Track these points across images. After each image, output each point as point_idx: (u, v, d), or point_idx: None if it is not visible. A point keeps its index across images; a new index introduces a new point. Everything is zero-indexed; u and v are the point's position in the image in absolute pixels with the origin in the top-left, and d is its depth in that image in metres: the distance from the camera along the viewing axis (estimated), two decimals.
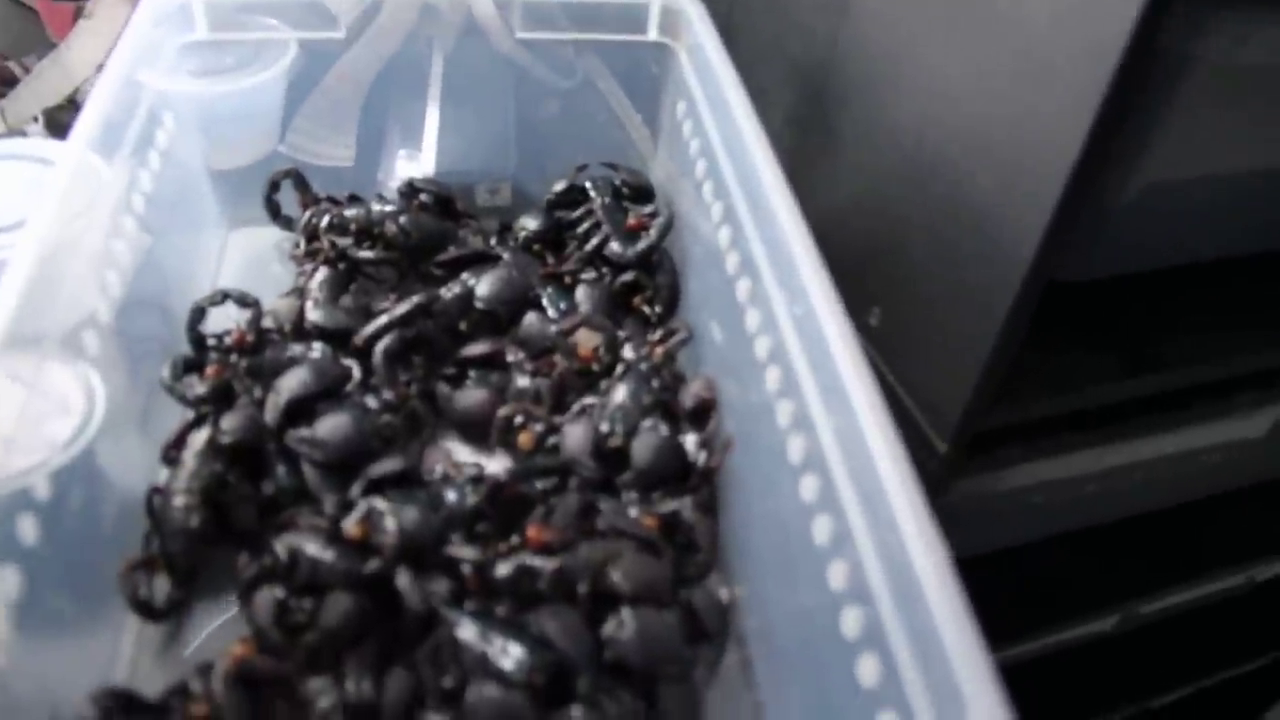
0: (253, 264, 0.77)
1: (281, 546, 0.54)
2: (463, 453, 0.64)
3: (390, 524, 0.54)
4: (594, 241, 0.72)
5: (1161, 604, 0.94)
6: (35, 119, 0.83)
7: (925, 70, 0.66)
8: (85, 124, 0.58)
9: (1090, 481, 0.77)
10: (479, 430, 0.64)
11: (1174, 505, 0.86)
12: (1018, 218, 0.61)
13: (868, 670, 0.44)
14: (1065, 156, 0.58)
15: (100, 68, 0.83)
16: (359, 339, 0.65)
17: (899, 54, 0.68)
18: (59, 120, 0.84)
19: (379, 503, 0.55)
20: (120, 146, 0.61)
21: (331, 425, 0.60)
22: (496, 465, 0.62)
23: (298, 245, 0.74)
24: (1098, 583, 0.93)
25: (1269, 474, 0.90)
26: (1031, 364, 0.68)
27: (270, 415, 0.60)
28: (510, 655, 0.50)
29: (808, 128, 0.75)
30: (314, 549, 0.53)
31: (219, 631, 0.56)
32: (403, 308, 0.65)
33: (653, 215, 0.73)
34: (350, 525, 0.54)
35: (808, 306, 0.52)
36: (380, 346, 0.64)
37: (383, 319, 0.65)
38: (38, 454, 0.49)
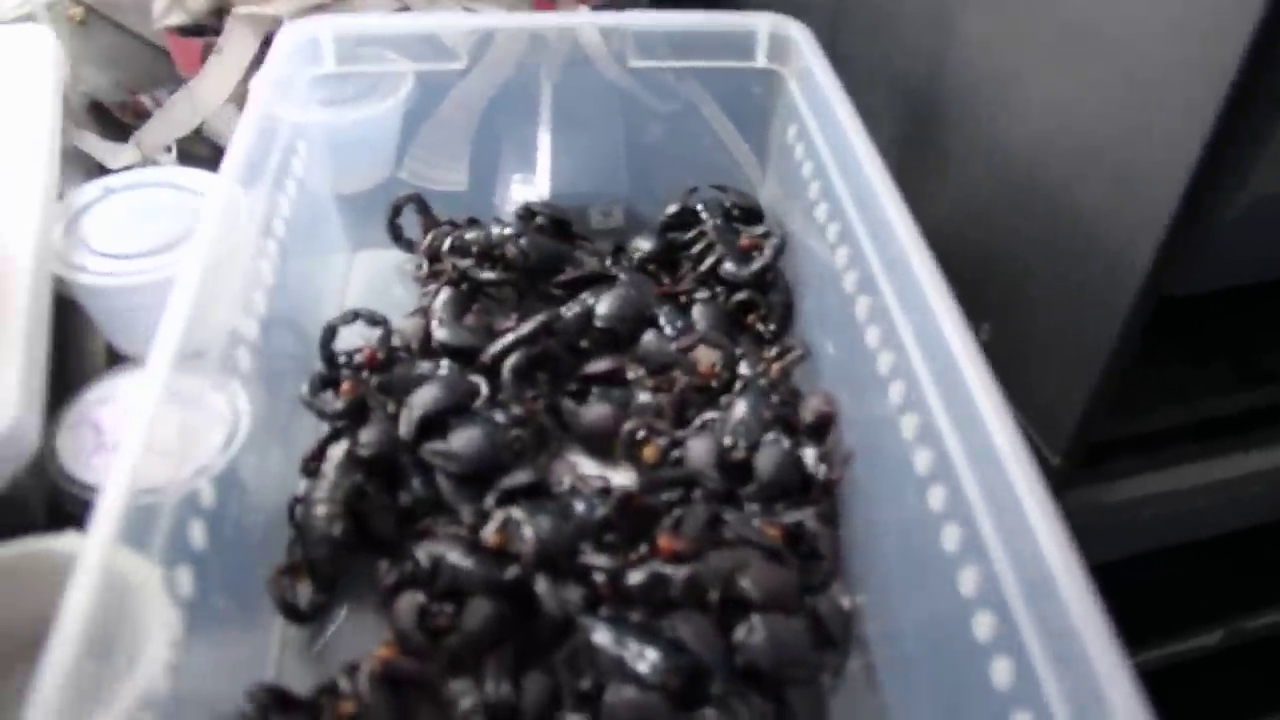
0: (375, 285, 0.79)
1: (423, 554, 0.56)
2: (587, 466, 0.66)
3: (528, 533, 0.56)
4: (708, 262, 0.74)
5: (1268, 619, 0.94)
6: (168, 149, 0.86)
7: (1034, 90, 0.68)
8: (234, 156, 0.61)
9: (1200, 494, 0.77)
10: (603, 444, 0.66)
11: None
12: (1129, 233, 0.62)
13: (1001, 672, 0.45)
14: (1177, 173, 0.59)
15: (228, 100, 0.87)
16: (486, 356, 0.67)
17: (1007, 74, 0.70)
18: (189, 150, 0.88)
19: (516, 512, 0.57)
20: (263, 176, 0.64)
21: (464, 439, 0.62)
22: (621, 478, 0.64)
23: (420, 267, 0.77)
24: (1203, 597, 0.92)
25: None
26: (1143, 377, 0.69)
27: (404, 429, 0.63)
28: (646, 659, 0.52)
29: (915, 148, 0.76)
30: (455, 556, 0.56)
31: (359, 634, 0.59)
32: (528, 326, 0.68)
33: (764, 236, 0.75)
34: (489, 534, 0.56)
35: (931, 320, 0.53)
36: (508, 364, 0.66)
37: (509, 337, 0.67)
38: (196, 465, 0.52)
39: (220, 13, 0.91)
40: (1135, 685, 0.39)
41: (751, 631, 0.54)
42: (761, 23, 0.75)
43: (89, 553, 0.41)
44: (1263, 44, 0.53)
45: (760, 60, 0.77)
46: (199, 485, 0.50)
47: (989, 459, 0.48)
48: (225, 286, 0.57)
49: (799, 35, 0.75)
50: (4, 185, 0.66)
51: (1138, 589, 0.87)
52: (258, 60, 0.86)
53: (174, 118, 0.86)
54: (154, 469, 0.46)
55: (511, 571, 0.55)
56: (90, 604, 0.40)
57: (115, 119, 0.93)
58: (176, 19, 0.90)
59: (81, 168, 0.85)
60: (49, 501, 0.62)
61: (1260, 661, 0.99)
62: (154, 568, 0.44)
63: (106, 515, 0.43)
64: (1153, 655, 0.89)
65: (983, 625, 0.47)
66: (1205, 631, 0.92)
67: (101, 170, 0.84)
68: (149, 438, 0.46)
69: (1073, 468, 0.70)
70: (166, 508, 0.46)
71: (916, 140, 0.79)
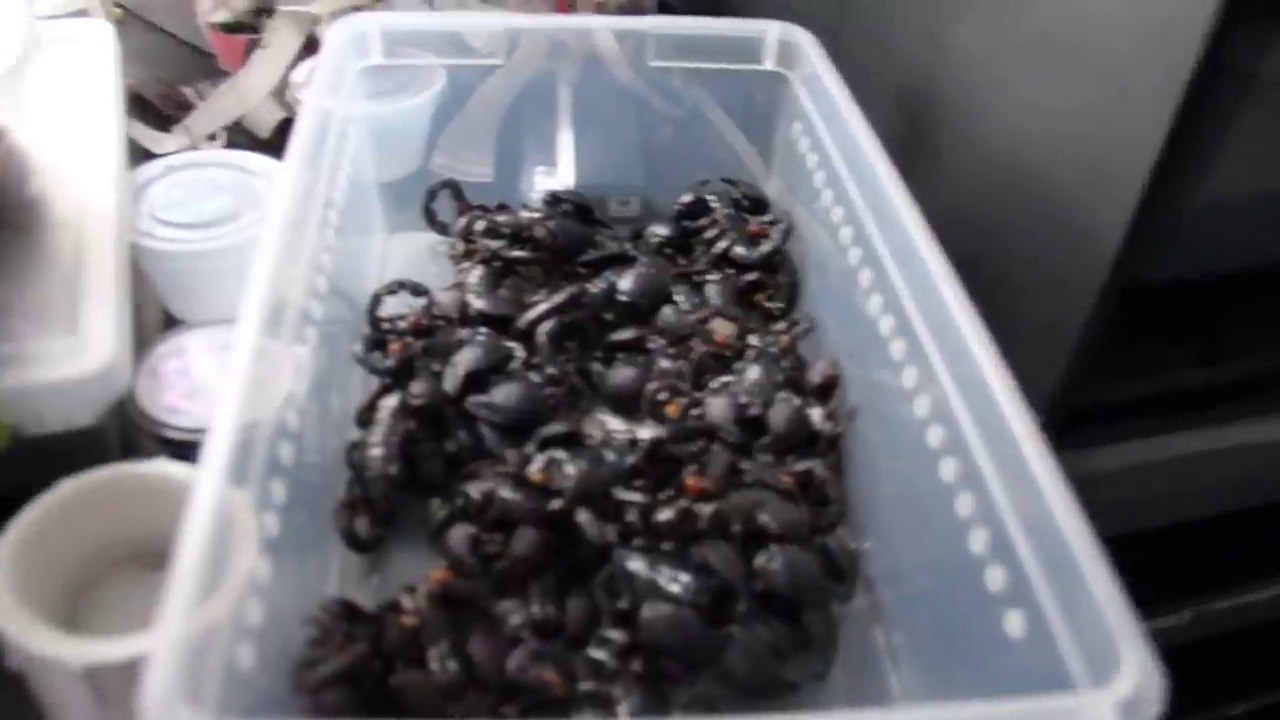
0: (411, 264, 0.86)
1: (474, 490, 0.63)
2: (614, 423, 0.72)
3: (569, 469, 0.62)
4: (720, 246, 0.81)
5: (1239, 601, 1.00)
6: (213, 136, 0.93)
7: (1015, 92, 0.75)
8: (299, 140, 0.67)
9: (1166, 470, 0.84)
10: (628, 403, 0.72)
11: (1261, 504, 0.92)
12: (1099, 224, 0.70)
13: (995, 579, 0.52)
14: (1141, 169, 0.66)
15: (271, 90, 0.93)
16: (522, 323, 0.74)
17: (991, 78, 0.77)
18: (229, 137, 0.94)
19: (557, 453, 0.63)
20: (322, 164, 0.70)
21: (505, 393, 0.69)
22: (645, 433, 0.70)
23: (454, 247, 0.84)
24: (1173, 578, 0.98)
25: None
26: (1114, 356, 0.75)
27: (449, 384, 0.69)
28: (679, 580, 0.58)
29: (907, 148, 0.83)
30: (504, 491, 0.62)
31: (410, 564, 0.65)
32: (560, 296, 0.74)
33: (772, 223, 0.82)
34: (534, 471, 0.63)
35: (929, 281, 0.60)
36: (543, 329, 0.73)
37: (543, 305, 0.74)
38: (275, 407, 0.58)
39: (260, 12, 0.97)
40: (1141, 630, 0.44)
41: (771, 559, 0.60)
42: (770, 29, 0.83)
43: (206, 471, 0.47)
44: (1217, 46, 0.61)
45: (768, 64, 0.84)
46: (286, 417, 0.56)
47: (984, 400, 0.54)
48: (293, 258, 0.63)
49: (805, 40, 0.82)
50: (86, 158, 0.72)
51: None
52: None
53: (220, 107, 0.92)
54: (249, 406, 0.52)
55: (555, 504, 0.61)
56: (210, 514, 0.45)
57: (155, 109, 0.99)
58: (221, 16, 0.96)
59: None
60: (121, 437, 0.68)
61: (1229, 643, 1.04)
62: (243, 488, 0.49)
63: (218, 440, 0.48)
64: None
65: (977, 542, 0.54)
66: (1174, 612, 0.98)
67: (146, 155, 0.90)
68: (249, 379, 0.52)
69: (1047, 436, 0.76)
70: (261, 435, 0.52)
71: (908, 141, 0.86)
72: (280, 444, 0.55)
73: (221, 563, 0.45)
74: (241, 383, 0.51)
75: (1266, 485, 0.91)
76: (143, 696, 0.39)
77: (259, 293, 0.56)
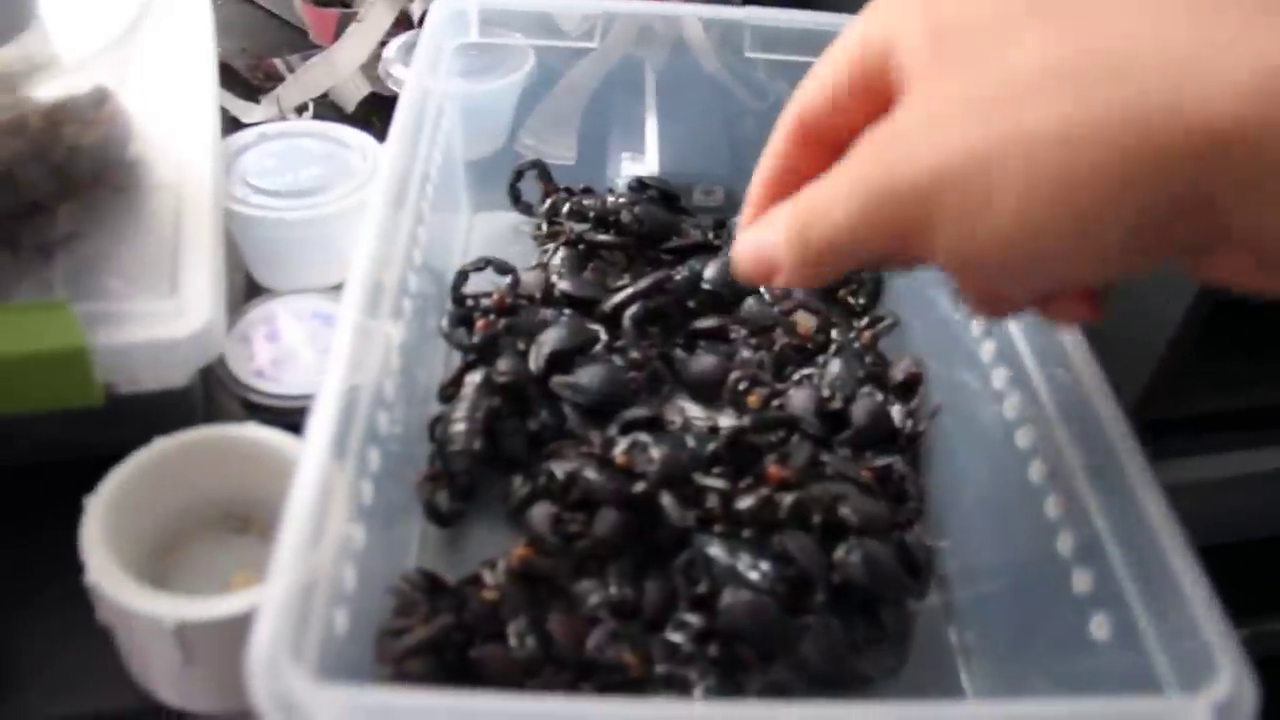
0: (493, 243, 0.86)
1: (558, 469, 0.63)
2: (694, 410, 0.72)
3: (654, 452, 0.62)
4: None
5: None
6: (303, 108, 0.94)
7: None
8: (399, 124, 0.68)
9: (1238, 486, 0.83)
10: (709, 391, 0.73)
11: None
12: None
13: (1081, 581, 0.52)
14: None
15: (361, 64, 0.94)
16: (608, 306, 0.74)
17: None
18: (320, 111, 0.95)
19: (642, 436, 0.64)
20: (420, 139, 0.70)
21: (590, 374, 0.69)
22: (726, 421, 0.70)
23: (539, 228, 0.84)
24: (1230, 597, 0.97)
25: None
26: (1199, 367, 0.75)
27: (534, 363, 0.70)
28: (759, 568, 0.58)
29: None
30: (588, 472, 0.62)
31: (489, 540, 0.65)
32: (645, 281, 0.74)
33: None
34: (619, 453, 0.63)
35: None
36: (629, 313, 0.73)
37: (629, 289, 0.74)
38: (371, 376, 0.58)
39: None
40: (1236, 639, 0.44)
41: (850, 551, 0.60)
42: None
43: (312, 440, 0.48)
44: None
45: None
46: (384, 385, 0.57)
47: (1077, 403, 0.54)
48: (393, 233, 0.63)
49: None
50: (184, 124, 0.73)
51: None
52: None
53: (312, 79, 0.93)
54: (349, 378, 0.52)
55: (638, 487, 0.61)
56: (315, 481, 0.46)
57: (244, 80, 1.01)
58: None
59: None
60: (205, 399, 0.69)
61: None
62: (342, 458, 0.50)
63: (324, 410, 0.49)
64: None
65: (1064, 544, 0.53)
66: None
67: (235, 124, 0.91)
68: (351, 352, 0.53)
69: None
70: (361, 404, 0.53)
71: None
72: (377, 413, 0.55)
73: (322, 528, 0.45)
74: (345, 355, 0.52)
75: None
76: (249, 652, 0.39)
77: (363, 267, 0.57)
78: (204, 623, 0.52)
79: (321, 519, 0.45)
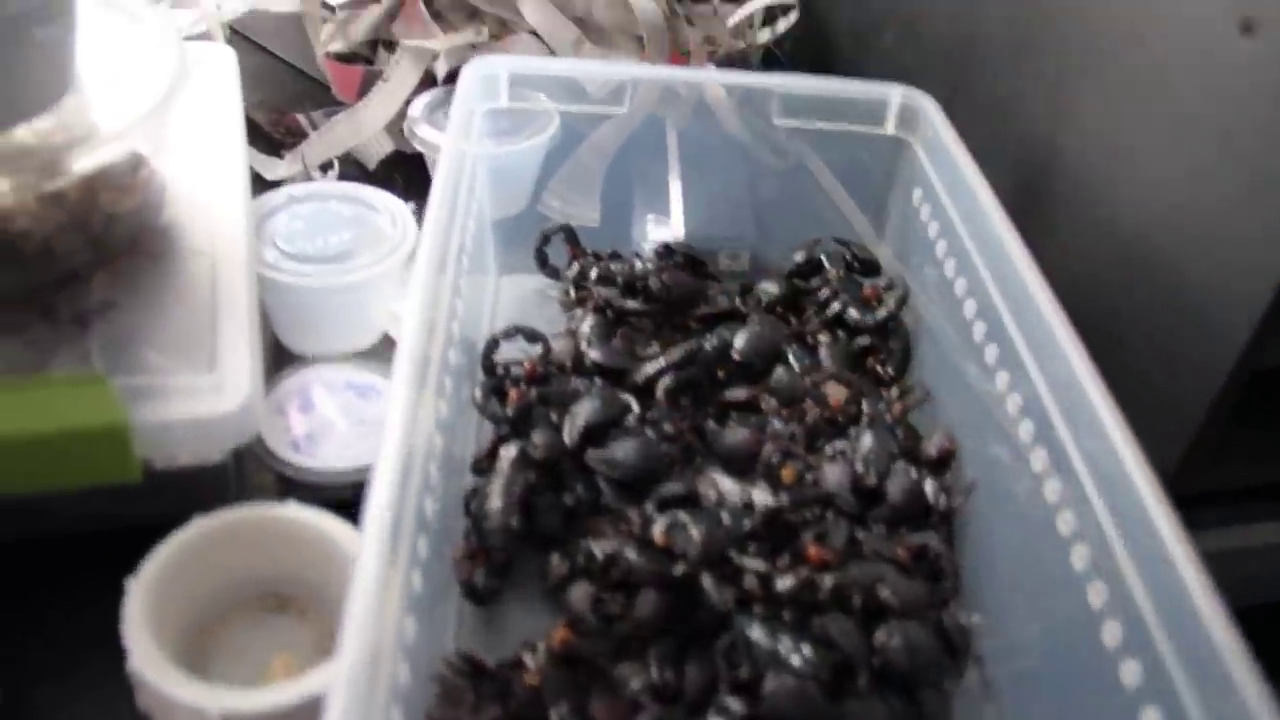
0: (519, 307, 0.86)
1: (598, 549, 0.63)
2: (726, 483, 0.72)
3: (694, 533, 0.62)
4: (834, 308, 0.81)
5: None
6: (327, 165, 0.93)
7: (1145, 169, 0.75)
8: (442, 183, 0.68)
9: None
10: (742, 464, 0.72)
11: None
12: (1230, 311, 0.69)
13: (1130, 672, 0.51)
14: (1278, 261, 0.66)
15: (386, 122, 0.94)
16: (639, 377, 0.74)
17: (1120, 153, 0.77)
18: (343, 168, 0.95)
19: (682, 515, 0.63)
20: (458, 204, 0.70)
21: (625, 448, 0.69)
22: (760, 495, 0.70)
23: (567, 293, 0.84)
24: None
25: None
26: (1231, 439, 0.75)
27: (569, 436, 0.69)
28: (800, 653, 0.58)
29: (1025, 219, 0.83)
30: (629, 552, 0.62)
31: (526, 618, 0.65)
32: (677, 352, 0.74)
33: (887, 288, 0.82)
34: (658, 533, 0.63)
35: (1061, 358, 0.61)
36: (662, 384, 0.73)
37: (662, 360, 0.74)
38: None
39: (375, 44, 0.98)
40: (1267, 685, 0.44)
41: (891, 635, 0.60)
42: (894, 93, 0.83)
43: (370, 529, 0.47)
44: None
45: (889, 128, 0.84)
46: (430, 471, 0.56)
47: (1117, 481, 0.54)
48: (438, 304, 0.63)
49: (928, 105, 0.82)
50: (215, 185, 0.73)
51: None
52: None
53: (336, 136, 0.93)
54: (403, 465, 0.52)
55: (679, 568, 0.61)
56: (376, 565, 0.46)
57: (265, 134, 1.00)
58: (338, 46, 0.97)
59: None
60: (238, 472, 0.68)
61: None
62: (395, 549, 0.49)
63: (381, 494, 0.49)
64: None
65: (1109, 635, 0.53)
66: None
67: (257, 180, 0.91)
68: (404, 437, 0.52)
69: None
70: (410, 491, 0.53)
71: (1026, 213, 0.86)
72: (425, 499, 0.55)
73: (382, 624, 0.45)
74: (399, 439, 0.51)
75: None
76: None
77: (412, 341, 0.57)
78: (249, 715, 0.51)
79: (381, 616, 0.45)
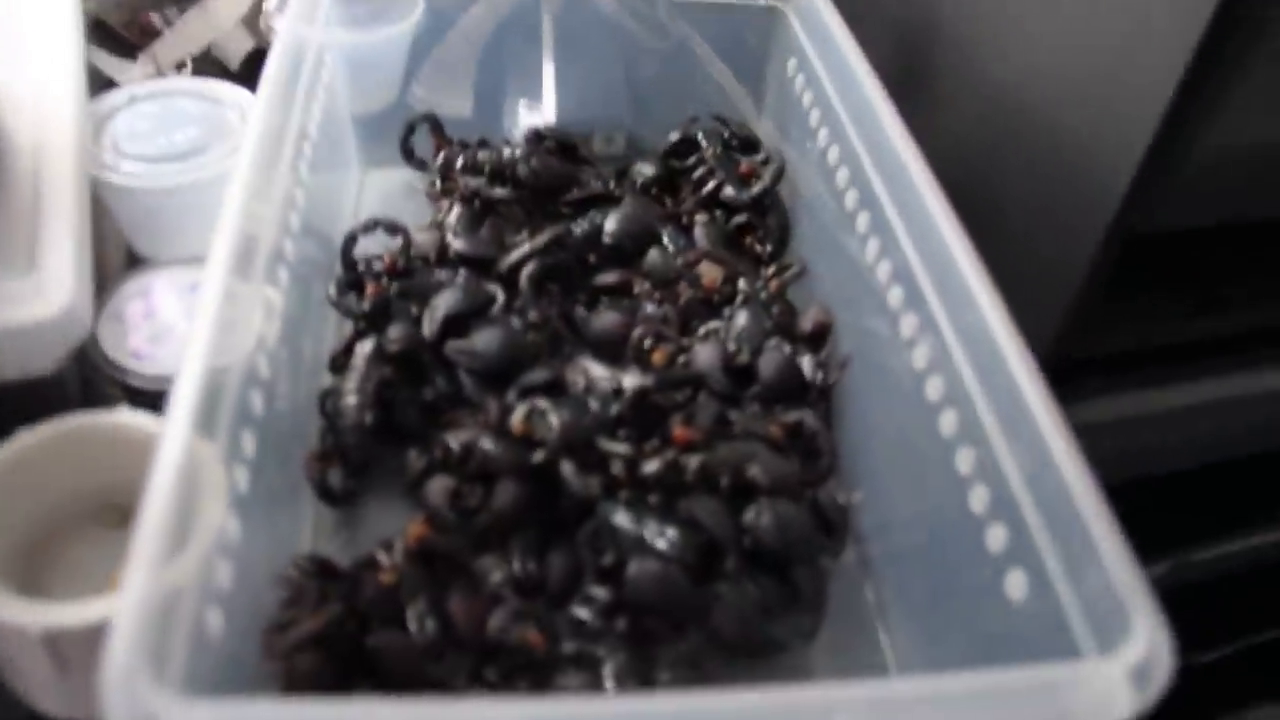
0: (387, 202, 0.83)
1: (454, 440, 0.60)
2: (597, 369, 0.70)
3: (553, 420, 0.59)
4: (709, 186, 0.78)
5: (1214, 553, 0.99)
6: (181, 65, 0.89)
7: (1025, 29, 0.72)
8: (273, 71, 0.64)
9: (1157, 423, 0.83)
10: (612, 350, 0.70)
11: (1244, 455, 0.91)
12: (1107, 168, 0.67)
13: (996, 538, 0.50)
14: (1153, 113, 0.64)
15: (242, 17, 0.89)
16: (503, 266, 0.71)
17: (1000, 14, 0.74)
18: (197, 67, 0.90)
19: (540, 403, 0.61)
20: (297, 95, 0.66)
21: (486, 338, 0.66)
22: (630, 381, 0.67)
23: (433, 184, 0.80)
24: (1151, 530, 0.98)
25: None
26: (1111, 305, 0.73)
27: (428, 329, 0.66)
28: (665, 536, 0.56)
29: (905, 84, 0.80)
30: (485, 442, 0.59)
31: (385, 518, 0.63)
32: (543, 238, 0.71)
33: (763, 163, 0.79)
34: (516, 422, 0.60)
35: (930, 225, 0.58)
36: (525, 272, 0.70)
37: (526, 247, 0.71)
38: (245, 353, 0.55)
39: None
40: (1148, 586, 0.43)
41: (760, 514, 0.58)
42: None
43: (173, 423, 0.44)
44: None
45: None
46: (257, 363, 0.53)
47: (989, 352, 0.52)
48: (265, 194, 0.59)
49: None
50: (42, 90, 0.68)
51: None
52: None
53: (189, 33, 0.88)
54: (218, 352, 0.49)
55: (538, 456, 0.59)
56: (177, 470, 0.42)
57: (119, 37, 0.95)
58: None
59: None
60: (81, 384, 0.65)
61: (1206, 598, 1.04)
62: (211, 441, 0.47)
63: (186, 390, 0.45)
64: None
65: (977, 500, 0.52)
66: (1152, 563, 0.97)
67: (110, 85, 0.86)
68: (218, 322, 0.49)
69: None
70: (231, 383, 0.50)
71: (906, 78, 0.83)
72: (251, 392, 0.52)
73: (189, 521, 0.42)
74: (210, 327, 0.48)
75: (1259, 436, 0.89)
76: (104, 670, 0.36)
77: (229, 231, 0.53)
78: (76, 629, 0.48)
79: (184, 514, 0.42)
